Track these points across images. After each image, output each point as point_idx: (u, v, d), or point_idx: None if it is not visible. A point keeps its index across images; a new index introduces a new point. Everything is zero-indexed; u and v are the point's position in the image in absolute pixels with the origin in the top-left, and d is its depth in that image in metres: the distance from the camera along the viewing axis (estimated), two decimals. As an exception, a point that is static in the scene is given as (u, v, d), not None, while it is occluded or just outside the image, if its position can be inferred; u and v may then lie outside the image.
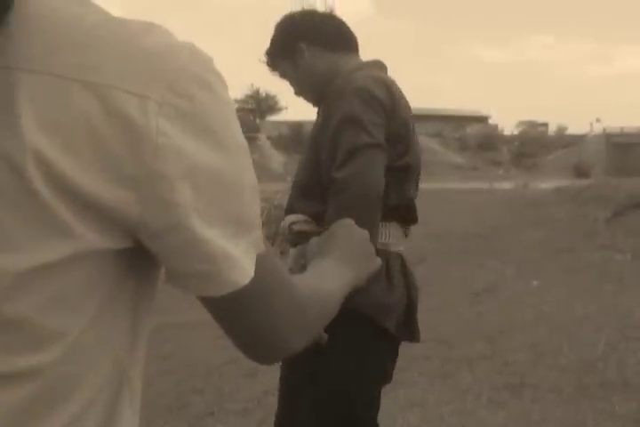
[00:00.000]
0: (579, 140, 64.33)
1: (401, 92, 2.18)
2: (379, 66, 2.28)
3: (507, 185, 28.46)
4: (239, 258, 0.73)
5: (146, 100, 0.65)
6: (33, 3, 0.65)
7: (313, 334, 0.92)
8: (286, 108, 64.08)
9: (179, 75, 0.68)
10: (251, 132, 43.05)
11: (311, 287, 0.90)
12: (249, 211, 0.75)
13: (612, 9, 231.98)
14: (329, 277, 0.99)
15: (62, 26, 0.65)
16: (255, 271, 0.74)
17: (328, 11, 2.32)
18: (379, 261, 1.12)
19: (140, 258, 0.73)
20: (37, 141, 0.62)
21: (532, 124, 78.70)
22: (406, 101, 2.19)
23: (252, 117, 56.09)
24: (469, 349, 5.43)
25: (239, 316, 0.79)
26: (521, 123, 78.77)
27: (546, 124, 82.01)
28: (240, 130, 0.74)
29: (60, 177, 0.63)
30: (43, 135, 0.62)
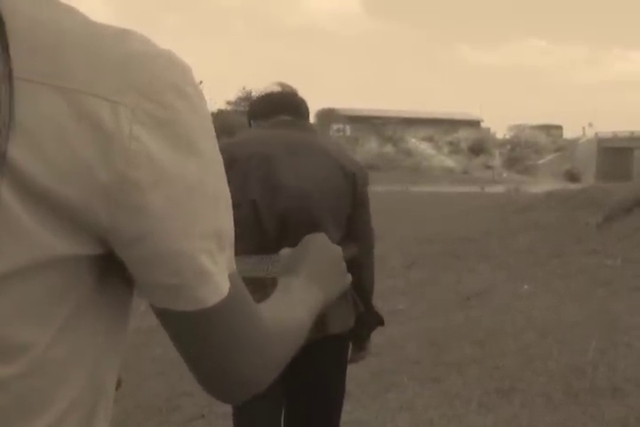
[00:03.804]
0: (571, 144, 64.61)
1: (264, 144, 2.43)
2: (270, 124, 2.53)
3: (498, 189, 28.54)
4: (216, 275, 0.70)
5: (117, 106, 0.64)
6: (7, 6, 0.63)
7: (282, 366, 0.83)
8: (279, 110, 64.00)
9: (153, 81, 0.66)
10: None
11: (280, 315, 0.85)
12: (227, 226, 0.72)
13: (605, 13, 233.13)
14: (298, 302, 0.93)
15: (37, 30, 0.63)
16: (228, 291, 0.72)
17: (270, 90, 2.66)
18: (349, 278, 1.07)
19: (115, 268, 0.70)
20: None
21: (547, 128, 76.03)
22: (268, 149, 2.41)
23: (244, 119, 55.91)
24: (459, 353, 5.42)
25: (205, 337, 0.73)
26: (513, 126, 78.52)
27: (560, 127, 78.73)
28: (217, 144, 0.72)
29: (27, 181, 0.61)
30: (10, 139, 0.60)
